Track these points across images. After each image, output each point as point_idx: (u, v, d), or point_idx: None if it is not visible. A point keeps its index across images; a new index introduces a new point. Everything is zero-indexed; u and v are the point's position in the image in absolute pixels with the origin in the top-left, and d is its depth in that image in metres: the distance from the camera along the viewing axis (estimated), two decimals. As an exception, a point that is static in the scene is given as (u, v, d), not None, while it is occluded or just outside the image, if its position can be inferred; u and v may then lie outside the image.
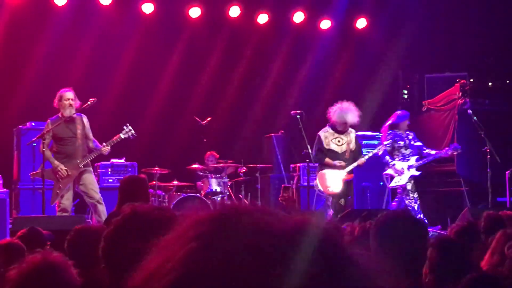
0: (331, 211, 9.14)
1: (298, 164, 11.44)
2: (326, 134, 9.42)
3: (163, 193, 10.73)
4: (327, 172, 9.32)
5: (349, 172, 9.33)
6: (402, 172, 9.94)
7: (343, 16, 13.50)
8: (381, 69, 13.54)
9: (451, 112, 11.96)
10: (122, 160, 10.62)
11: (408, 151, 10.07)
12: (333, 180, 9.27)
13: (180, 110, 12.58)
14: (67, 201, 8.53)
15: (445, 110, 12.17)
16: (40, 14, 11.54)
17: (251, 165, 11.46)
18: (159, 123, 12.04)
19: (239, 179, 11.40)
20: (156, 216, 2.02)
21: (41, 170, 8.55)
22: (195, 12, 12.63)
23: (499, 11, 12.73)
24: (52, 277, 2.10)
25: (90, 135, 8.79)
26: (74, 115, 8.67)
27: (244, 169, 11.34)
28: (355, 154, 9.43)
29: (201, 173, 11.19)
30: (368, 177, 11.11)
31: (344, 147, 9.40)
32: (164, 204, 10.34)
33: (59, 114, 8.67)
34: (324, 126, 9.70)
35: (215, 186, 10.80)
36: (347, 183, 9.33)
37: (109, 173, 10.51)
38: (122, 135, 8.79)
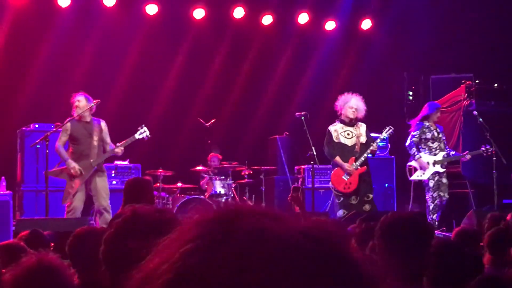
0: (341, 211, 8.97)
1: (302, 166, 11.42)
2: (335, 128, 9.31)
3: (167, 195, 10.72)
4: (340, 170, 9.15)
5: (362, 164, 9.19)
6: (427, 166, 9.77)
7: (348, 17, 13.49)
8: (386, 70, 13.52)
9: (457, 113, 11.92)
10: (126, 162, 10.61)
11: (435, 145, 9.91)
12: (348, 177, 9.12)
13: (185, 112, 12.57)
14: (78, 202, 8.51)
15: (450, 112, 12.12)
16: (44, 15, 11.54)
17: (256, 167, 11.43)
18: (163, 125, 12.01)
19: (243, 181, 11.37)
20: (156, 218, 2.00)
21: (57, 168, 8.61)
22: (199, 13, 12.62)
23: (505, 12, 12.69)
24: (48, 279, 2.07)
25: (108, 139, 8.81)
26: (92, 119, 8.73)
27: (248, 171, 11.31)
28: (367, 147, 9.27)
29: (205, 175, 11.17)
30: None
31: (354, 140, 9.24)
32: (168, 206, 10.33)
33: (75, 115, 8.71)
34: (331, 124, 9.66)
35: (219, 188, 10.78)
36: (363, 178, 9.19)
37: (113, 175, 10.50)
38: (136, 136, 8.82)
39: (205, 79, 13.04)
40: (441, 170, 9.83)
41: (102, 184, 8.67)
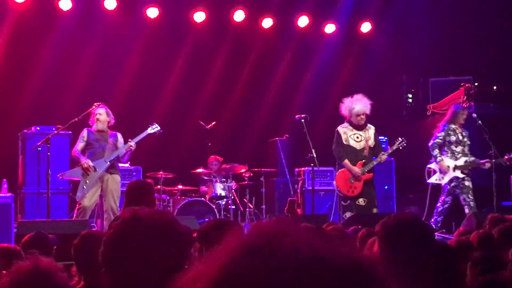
0: (348, 214, 8.96)
1: (302, 168, 11.43)
2: (344, 130, 9.28)
3: (168, 198, 10.74)
4: (346, 172, 9.17)
5: (369, 171, 9.18)
6: (447, 171, 9.59)
7: (347, 20, 13.51)
8: (385, 73, 13.54)
9: (456, 116, 11.92)
10: (127, 165, 10.62)
11: (459, 149, 9.71)
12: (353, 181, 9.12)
13: (185, 114, 12.59)
14: (88, 201, 8.56)
15: (449, 114, 12.14)
16: (45, 19, 11.57)
17: (256, 169, 11.46)
18: (164, 127, 11.96)
19: (243, 183, 11.40)
20: (156, 220, 2.01)
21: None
22: (199, 17, 12.64)
23: (504, 14, 12.72)
24: (43, 283, 2.09)
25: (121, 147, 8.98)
26: (108, 131, 8.95)
27: (249, 173, 11.33)
28: (375, 150, 9.24)
29: (205, 177, 11.19)
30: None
31: (362, 144, 9.23)
32: (169, 208, 10.35)
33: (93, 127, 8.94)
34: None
35: (219, 190, 10.80)
36: (367, 183, 9.17)
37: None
38: (149, 130, 9.10)
39: (205, 82, 13.06)
40: (461, 176, 9.62)
41: (113, 186, 8.73)
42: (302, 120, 9.55)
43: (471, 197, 9.65)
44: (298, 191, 11.57)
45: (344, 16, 13.47)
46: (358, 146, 9.22)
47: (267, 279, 0.85)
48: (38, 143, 9.06)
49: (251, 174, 11.41)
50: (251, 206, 11.42)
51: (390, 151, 9.41)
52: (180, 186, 10.91)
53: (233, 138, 12.97)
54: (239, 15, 12.82)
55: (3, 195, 8.56)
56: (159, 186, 10.46)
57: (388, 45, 13.51)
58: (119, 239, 2.00)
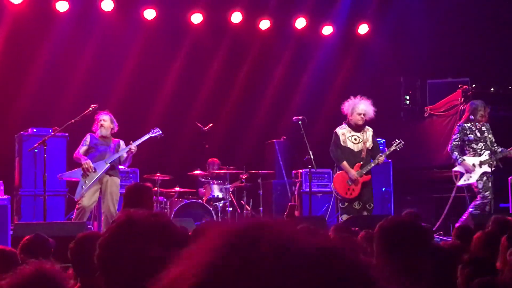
0: (345, 216, 8.94)
1: (300, 170, 11.43)
2: (343, 131, 9.25)
3: (165, 200, 10.72)
4: (344, 175, 9.15)
5: (367, 173, 9.15)
6: (473, 169, 9.41)
7: (345, 22, 13.52)
8: (383, 75, 13.55)
9: (453, 117, 11.94)
10: (124, 167, 10.60)
11: (480, 146, 9.51)
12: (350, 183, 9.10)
13: (182, 116, 12.58)
14: (87, 200, 8.55)
15: (447, 116, 12.16)
16: (42, 20, 11.55)
17: (253, 171, 11.44)
18: (161, 129, 11.98)
19: (241, 185, 11.38)
20: (151, 222, 2.00)
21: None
22: (197, 18, 12.64)
23: (501, 16, 12.73)
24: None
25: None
26: (111, 138, 9.00)
27: (246, 175, 11.32)
28: (373, 152, 9.22)
29: (203, 179, 11.18)
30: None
31: (360, 146, 9.20)
32: (166, 210, 10.33)
33: (97, 132, 8.97)
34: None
35: (217, 192, 10.79)
36: (365, 186, 9.14)
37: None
38: (150, 134, 9.14)
39: (202, 83, 13.06)
40: (489, 169, 9.40)
41: (112, 189, 8.74)
42: (300, 122, 9.54)
43: (482, 196, 9.43)
44: (296, 193, 11.56)
45: (341, 18, 13.48)
46: (355, 148, 9.20)
47: (249, 277, 0.84)
48: (35, 145, 9.04)
49: (248, 176, 11.39)
50: (249, 208, 11.40)
51: (387, 152, 9.39)
52: (177, 188, 10.89)
53: (230, 140, 12.96)
54: (236, 17, 12.82)
55: (0, 197, 8.54)
56: (156, 188, 10.44)
57: (385, 46, 13.52)
58: (114, 241, 1.99)
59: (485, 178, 9.42)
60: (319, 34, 13.50)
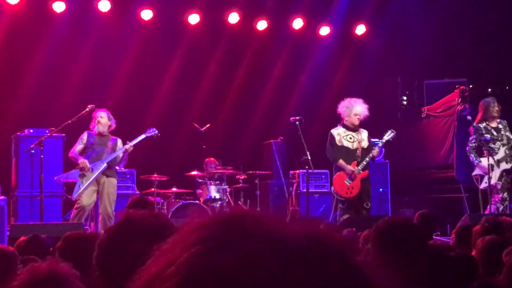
0: (345, 216, 8.92)
1: (297, 171, 11.42)
2: (338, 131, 9.28)
3: (162, 200, 10.71)
4: (342, 175, 9.15)
5: (364, 169, 9.15)
6: (491, 170, 9.15)
7: (342, 23, 13.52)
8: (380, 75, 13.56)
9: (450, 118, 11.95)
10: (119, 167, 10.58)
11: (497, 145, 9.30)
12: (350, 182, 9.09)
13: (179, 117, 12.57)
14: (86, 200, 8.54)
15: (444, 116, 12.16)
16: (38, 20, 11.53)
17: (251, 172, 11.43)
18: (158, 129, 11.98)
19: (238, 185, 11.37)
20: (150, 222, 1.99)
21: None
22: (194, 19, 12.62)
23: (498, 17, 12.73)
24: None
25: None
26: (108, 135, 8.97)
27: (243, 176, 11.31)
28: (369, 152, 9.22)
29: (200, 180, 11.16)
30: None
31: (355, 144, 9.23)
32: (163, 211, 10.31)
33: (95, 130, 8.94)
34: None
35: (214, 193, 10.77)
36: (364, 184, 9.16)
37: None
38: (145, 134, 9.11)
39: (200, 84, 13.05)
40: (509, 166, 9.20)
41: (109, 190, 8.73)
42: (297, 123, 9.54)
43: (501, 198, 9.31)
44: (293, 193, 11.56)
45: (338, 19, 13.47)
46: (351, 146, 9.24)
47: (235, 272, 0.82)
48: (31, 146, 9.02)
49: (246, 177, 11.38)
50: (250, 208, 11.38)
51: (380, 144, 9.41)
52: (174, 189, 10.88)
53: (227, 141, 12.95)
54: (233, 17, 12.81)
55: (-4, 198, 8.53)
56: (153, 189, 10.44)
57: (382, 47, 13.52)
58: (113, 242, 1.98)
59: (504, 177, 9.25)
60: (316, 35, 13.50)
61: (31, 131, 10.08)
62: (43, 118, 10.87)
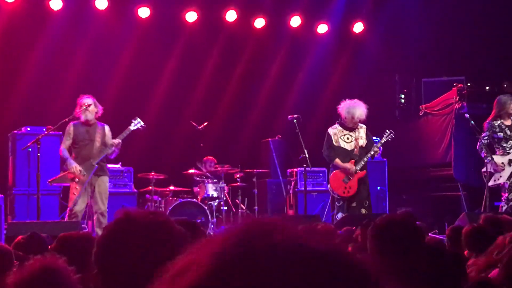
0: (340, 214, 8.93)
1: (295, 169, 11.42)
2: (334, 131, 9.28)
3: (160, 198, 10.70)
4: (339, 173, 9.17)
5: (362, 169, 9.13)
6: (502, 168, 9.10)
7: (340, 21, 13.51)
8: (378, 73, 13.55)
9: (448, 116, 11.95)
10: (118, 166, 10.58)
11: (509, 144, 9.23)
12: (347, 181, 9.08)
13: (177, 115, 12.55)
14: (79, 206, 8.49)
15: (442, 114, 12.16)
16: (36, 18, 11.51)
17: (248, 170, 11.42)
18: (156, 128, 11.99)
19: (236, 184, 11.36)
20: (149, 220, 1.98)
21: (60, 174, 8.65)
22: (191, 17, 12.61)
23: (496, 15, 12.73)
24: (52, 284, 2.05)
25: (110, 143, 8.79)
26: (96, 123, 8.79)
27: (241, 174, 11.30)
28: (367, 149, 9.20)
29: (197, 178, 11.15)
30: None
31: (353, 145, 9.21)
32: (160, 209, 10.30)
33: (80, 119, 8.75)
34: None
35: (211, 191, 10.77)
36: (362, 183, 9.15)
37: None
38: (131, 127, 8.90)
39: (197, 82, 13.03)
40: None
41: (102, 188, 8.69)
42: (295, 121, 9.53)
43: (507, 198, 9.24)
44: (291, 191, 11.55)
45: (336, 16, 13.47)
46: (348, 147, 9.23)
47: (260, 267, 0.84)
48: (28, 144, 8.99)
49: (243, 175, 11.38)
50: (243, 207, 11.39)
51: (379, 144, 9.39)
52: (172, 187, 10.87)
53: (225, 139, 12.94)
54: (231, 15, 12.79)
55: (-7, 196, 8.51)
56: (150, 187, 10.42)
57: (380, 45, 13.51)
58: (112, 239, 1.97)
59: None
60: (314, 33, 13.49)
61: (28, 129, 10.06)
62: (40, 116, 10.85)
